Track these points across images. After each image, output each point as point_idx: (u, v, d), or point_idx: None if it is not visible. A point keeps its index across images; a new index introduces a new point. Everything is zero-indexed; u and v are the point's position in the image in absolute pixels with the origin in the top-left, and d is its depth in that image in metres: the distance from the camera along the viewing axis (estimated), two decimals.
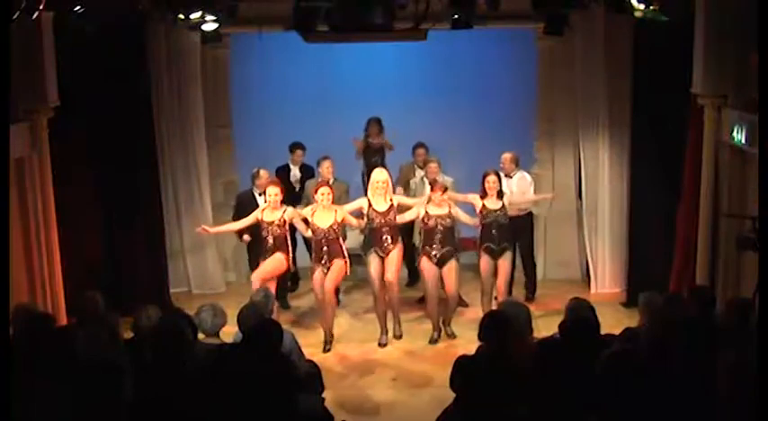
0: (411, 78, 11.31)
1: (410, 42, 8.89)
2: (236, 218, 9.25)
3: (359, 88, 11.10)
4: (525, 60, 10.78)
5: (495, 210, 8.74)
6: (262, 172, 9.40)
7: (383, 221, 8.61)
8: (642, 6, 6.95)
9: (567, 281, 10.32)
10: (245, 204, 9.33)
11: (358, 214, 8.80)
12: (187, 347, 5.21)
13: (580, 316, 5.46)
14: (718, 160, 8.05)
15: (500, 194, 8.79)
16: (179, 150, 10.12)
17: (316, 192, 8.57)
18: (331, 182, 9.28)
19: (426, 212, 8.65)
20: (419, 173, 10.01)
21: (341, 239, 8.59)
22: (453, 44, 10.20)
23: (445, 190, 8.70)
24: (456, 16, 7.95)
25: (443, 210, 8.67)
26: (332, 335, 8.74)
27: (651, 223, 9.46)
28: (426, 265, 8.73)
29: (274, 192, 8.57)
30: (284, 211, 8.58)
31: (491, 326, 5.37)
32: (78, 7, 7.00)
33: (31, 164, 7.83)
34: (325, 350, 8.62)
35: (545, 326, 7.68)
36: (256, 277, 8.48)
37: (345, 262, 8.57)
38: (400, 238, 8.79)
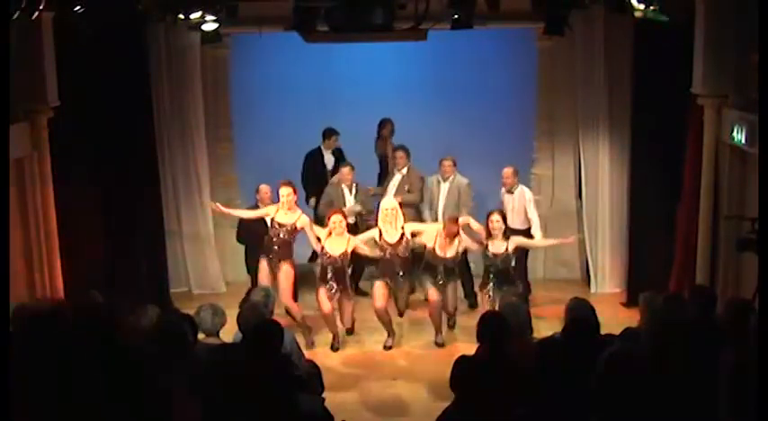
0: (411, 78, 11.29)
1: (410, 42, 8.89)
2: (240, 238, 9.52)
3: (359, 88, 11.09)
4: (525, 60, 10.76)
5: (497, 255, 8.24)
6: (262, 187, 9.23)
7: (394, 253, 8.43)
8: (642, 6, 6.95)
9: (566, 281, 10.32)
10: (248, 223, 9.28)
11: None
12: (187, 347, 5.22)
13: (580, 316, 5.46)
14: (718, 160, 8.05)
15: (506, 235, 8.28)
16: (179, 150, 10.10)
17: (329, 219, 8.38)
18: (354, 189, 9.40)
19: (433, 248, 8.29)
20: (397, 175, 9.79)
21: (347, 269, 8.55)
22: (453, 44, 10.19)
23: (457, 230, 8.29)
24: (456, 16, 7.95)
25: (450, 252, 8.34)
26: (338, 338, 8.71)
27: (651, 223, 9.46)
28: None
29: (286, 192, 8.51)
30: (298, 218, 8.55)
31: (488, 327, 5.39)
32: (78, 7, 6.99)
33: (31, 164, 7.84)
34: (334, 349, 8.63)
35: (545, 326, 7.68)
36: (287, 299, 8.50)
37: (349, 298, 8.61)
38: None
